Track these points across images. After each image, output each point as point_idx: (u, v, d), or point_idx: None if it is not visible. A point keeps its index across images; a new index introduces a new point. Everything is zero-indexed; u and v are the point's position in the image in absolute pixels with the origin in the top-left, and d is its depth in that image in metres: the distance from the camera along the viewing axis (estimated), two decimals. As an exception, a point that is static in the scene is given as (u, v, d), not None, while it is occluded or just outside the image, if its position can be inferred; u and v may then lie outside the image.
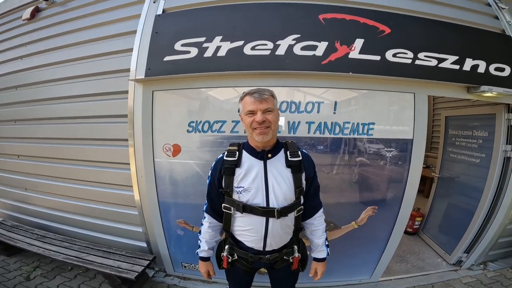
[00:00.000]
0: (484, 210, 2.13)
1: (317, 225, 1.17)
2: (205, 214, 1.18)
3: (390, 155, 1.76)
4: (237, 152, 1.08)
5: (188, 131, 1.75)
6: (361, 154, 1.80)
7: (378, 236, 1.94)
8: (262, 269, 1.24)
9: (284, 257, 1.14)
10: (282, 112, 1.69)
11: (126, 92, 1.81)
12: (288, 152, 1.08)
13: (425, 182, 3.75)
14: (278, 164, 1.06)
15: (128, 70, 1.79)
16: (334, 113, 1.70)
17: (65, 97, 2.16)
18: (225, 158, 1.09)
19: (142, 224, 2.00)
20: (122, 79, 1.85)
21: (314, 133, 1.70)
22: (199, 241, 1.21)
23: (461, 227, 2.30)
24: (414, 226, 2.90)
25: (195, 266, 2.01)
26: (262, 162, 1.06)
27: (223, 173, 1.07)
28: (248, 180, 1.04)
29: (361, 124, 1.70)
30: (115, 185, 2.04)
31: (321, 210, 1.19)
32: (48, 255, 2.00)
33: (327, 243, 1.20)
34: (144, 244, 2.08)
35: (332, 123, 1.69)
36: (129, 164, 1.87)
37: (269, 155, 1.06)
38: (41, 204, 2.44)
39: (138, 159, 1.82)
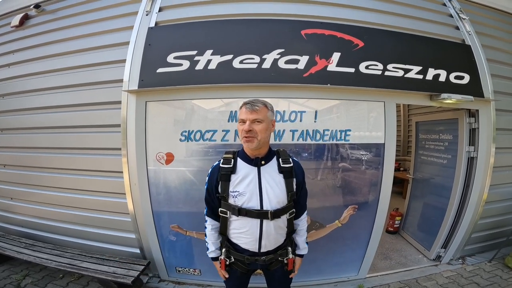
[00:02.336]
0: (454, 207, 2.31)
1: (301, 225, 1.28)
2: (206, 218, 1.25)
3: (366, 158, 1.94)
4: (232, 160, 1.15)
5: (180, 140, 1.83)
6: (342, 158, 1.95)
7: (360, 235, 2.07)
8: (258, 270, 1.33)
9: (279, 258, 1.20)
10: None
11: (119, 102, 1.86)
12: (280, 159, 1.15)
13: (403, 184, 3.93)
14: (271, 170, 1.14)
15: (120, 80, 1.85)
16: (315, 121, 1.85)
17: (55, 106, 2.16)
18: (221, 165, 1.15)
19: (135, 230, 2.03)
20: (114, 90, 1.90)
21: (297, 140, 1.84)
22: (206, 244, 1.28)
23: (436, 224, 2.46)
24: (395, 225, 3.07)
25: (189, 270, 2.06)
26: (256, 168, 1.13)
27: (219, 179, 1.13)
28: (243, 185, 1.10)
29: (339, 130, 1.86)
30: (108, 193, 2.06)
31: (306, 212, 1.30)
32: (39, 262, 1.98)
33: (306, 241, 1.31)
34: (138, 250, 2.11)
35: (313, 130, 1.84)
36: (122, 172, 1.91)
37: (263, 162, 1.13)
38: (28, 213, 2.40)
39: (131, 167, 1.87)
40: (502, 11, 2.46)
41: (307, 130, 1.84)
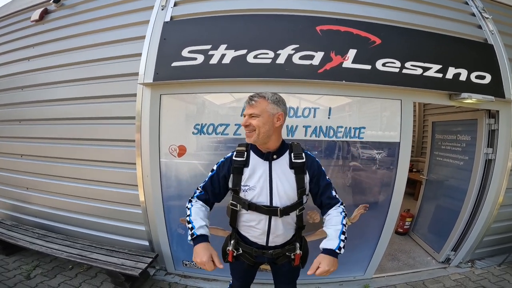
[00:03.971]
0: (468, 210, 2.25)
1: (333, 214, 1.09)
2: (195, 199, 1.14)
3: (379, 157, 1.90)
4: (245, 153, 1.13)
5: (193, 133, 1.84)
6: (355, 157, 1.92)
7: (369, 235, 2.04)
8: (264, 266, 1.31)
9: (286, 253, 1.18)
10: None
11: (134, 95, 1.89)
12: (292, 154, 1.11)
13: (415, 185, 3.87)
14: (282, 165, 1.11)
15: (135, 74, 1.87)
16: (329, 118, 1.83)
17: (71, 98, 2.22)
18: (234, 158, 1.13)
19: (145, 222, 2.05)
20: (130, 83, 1.93)
21: (310, 136, 1.82)
22: (190, 224, 1.04)
23: (448, 227, 2.41)
24: (405, 227, 3.02)
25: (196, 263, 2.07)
26: (267, 162, 1.10)
27: (231, 172, 1.12)
28: (254, 179, 1.09)
29: (353, 128, 1.83)
30: (120, 184, 2.09)
31: (339, 204, 1.13)
32: (50, 253, 2.02)
33: (342, 237, 1.01)
34: (146, 243, 2.13)
35: (326, 127, 1.82)
36: (135, 164, 1.94)
37: (274, 156, 1.11)
38: (42, 203, 2.47)
39: (144, 159, 1.90)
40: (526, 10, 2.37)
41: (320, 127, 1.81)
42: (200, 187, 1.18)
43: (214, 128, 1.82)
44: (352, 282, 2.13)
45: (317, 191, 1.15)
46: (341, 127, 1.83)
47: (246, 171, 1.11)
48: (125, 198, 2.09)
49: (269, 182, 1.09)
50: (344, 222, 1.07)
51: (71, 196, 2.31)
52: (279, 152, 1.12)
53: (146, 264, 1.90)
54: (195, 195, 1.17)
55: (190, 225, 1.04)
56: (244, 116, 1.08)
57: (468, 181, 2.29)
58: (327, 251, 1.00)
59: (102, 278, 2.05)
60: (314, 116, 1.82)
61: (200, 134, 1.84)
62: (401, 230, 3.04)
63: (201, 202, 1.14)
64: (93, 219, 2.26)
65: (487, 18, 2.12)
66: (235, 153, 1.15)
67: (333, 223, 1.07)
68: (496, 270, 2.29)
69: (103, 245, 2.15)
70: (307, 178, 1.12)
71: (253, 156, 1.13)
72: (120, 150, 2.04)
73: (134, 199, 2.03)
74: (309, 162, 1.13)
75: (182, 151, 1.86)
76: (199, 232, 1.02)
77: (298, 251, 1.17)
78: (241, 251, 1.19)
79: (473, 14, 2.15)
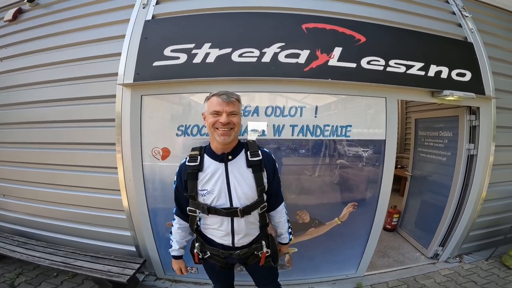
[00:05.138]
0: (453, 205, 2.31)
1: (279, 217, 1.26)
2: (175, 216, 1.23)
3: (366, 155, 1.91)
4: (199, 157, 1.10)
5: (177, 134, 1.79)
6: (342, 155, 1.93)
7: (359, 233, 2.06)
8: (239, 267, 1.31)
9: (255, 252, 1.18)
10: (267, 117, 1.78)
11: (114, 96, 1.82)
12: (248, 152, 1.10)
13: (400, 182, 3.98)
14: (239, 165, 1.09)
15: (115, 74, 1.80)
16: (315, 116, 1.82)
17: (48, 100, 2.11)
18: (187, 163, 1.10)
19: (130, 228, 2.00)
20: (109, 83, 1.86)
21: (297, 135, 1.81)
22: (170, 241, 1.26)
23: (434, 222, 2.46)
24: (393, 223, 3.07)
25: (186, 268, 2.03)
26: (223, 164, 1.08)
27: (186, 178, 1.09)
28: (211, 183, 1.07)
29: (340, 126, 1.83)
30: (102, 190, 2.02)
31: (283, 204, 1.27)
32: (32, 261, 1.94)
33: (290, 230, 1.31)
34: (133, 248, 2.07)
35: (313, 125, 1.81)
36: (116, 168, 1.87)
37: (229, 157, 1.09)
38: (20, 210, 2.36)
39: (126, 163, 1.83)
40: (504, 9, 2.45)
41: (307, 125, 1.80)
42: (174, 202, 1.21)
43: (198, 129, 1.78)
44: (344, 281, 2.14)
45: (271, 189, 1.17)
46: (328, 125, 1.82)
47: (201, 175, 1.08)
48: (108, 203, 2.02)
49: (227, 184, 1.07)
50: (288, 219, 1.31)
51: (50, 202, 2.21)
52: (234, 153, 1.11)
53: (134, 270, 1.86)
54: (173, 211, 1.24)
55: (170, 242, 1.28)
56: (217, 114, 1.01)
57: (452, 177, 2.35)
58: (284, 244, 1.34)
59: (88, 286, 1.99)
60: (300, 115, 1.81)
61: (184, 136, 1.79)
62: (389, 227, 3.09)
63: (178, 220, 1.23)
64: (75, 225, 2.18)
65: (466, 16, 2.18)
66: (188, 158, 1.12)
67: (282, 225, 1.29)
68: (484, 264, 2.35)
69: (88, 251, 2.08)
70: (265, 175, 1.12)
71: (207, 160, 1.11)
72: (101, 154, 1.97)
73: (117, 204, 1.96)
74: (266, 159, 1.13)
75: (166, 153, 1.81)
76: (173, 253, 1.28)
77: (264, 250, 1.18)
78: (208, 254, 1.19)
79: (453, 13, 2.20)
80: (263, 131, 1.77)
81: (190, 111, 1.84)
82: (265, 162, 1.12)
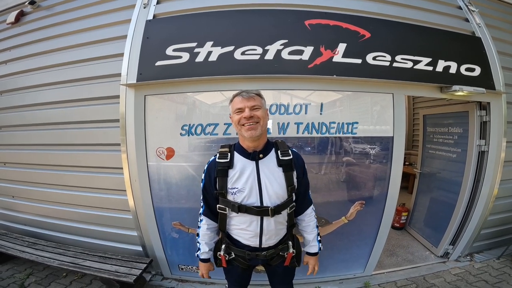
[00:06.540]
0: (464, 203, 2.25)
1: (308, 221, 1.22)
2: (202, 217, 1.19)
3: (373, 152, 1.88)
4: (229, 154, 1.09)
5: (181, 134, 1.78)
6: (348, 152, 1.89)
7: (367, 231, 2.02)
8: (259, 267, 1.29)
9: (280, 253, 1.17)
10: (271, 114, 1.76)
11: (118, 96, 1.82)
12: (279, 151, 1.10)
13: (409, 179, 3.91)
14: (269, 164, 1.09)
15: (118, 74, 1.80)
16: (321, 114, 1.79)
17: (52, 102, 2.13)
18: (217, 160, 1.10)
19: (137, 228, 2.01)
20: (113, 84, 1.86)
21: (302, 133, 1.78)
22: (198, 244, 1.22)
23: (445, 220, 2.40)
24: (401, 221, 3.01)
25: (192, 267, 2.03)
26: (254, 162, 1.07)
27: (216, 175, 1.08)
28: (242, 181, 1.06)
29: (346, 123, 1.80)
30: (108, 190, 2.04)
31: (311, 207, 1.23)
32: (41, 261, 1.97)
33: (319, 238, 1.23)
34: (140, 248, 2.08)
35: (319, 123, 1.78)
36: (122, 168, 1.88)
37: (261, 155, 1.08)
38: (30, 211, 2.39)
39: (131, 163, 1.84)
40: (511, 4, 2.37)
41: (312, 123, 1.78)
42: (201, 201, 1.19)
43: (202, 128, 1.77)
44: (352, 280, 2.11)
45: (300, 189, 1.15)
46: (334, 122, 1.79)
47: (231, 173, 1.08)
48: (114, 203, 2.03)
49: (258, 182, 1.06)
50: (317, 224, 1.26)
51: (58, 203, 2.24)
52: (265, 151, 1.10)
53: (141, 270, 1.87)
54: (200, 211, 1.21)
55: (198, 245, 1.23)
56: (241, 111, 1.03)
57: (462, 174, 2.29)
58: (312, 254, 1.25)
59: (97, 286, 2.01)
60: (305, 113, 1.78)
61: (188, 135, 1.78)
62: (398, 225, 3.04)
63: (207, 220, 1.19)
64: (83, 225, 2.20)
65: (473, 11, 2.12)
66: (218, 155, 1.12)
67: (310, 230, 1.23)
68: (496, 263, 2.29)
69: (96, 252, 2.10)
70: (295, 175, 1.11)
71: (237, 157, 1.10)
72: (106, 155, 1.98)
73: (123, 204, 1.97)
74: (296, 158, 1.14)
75: (170, 153, 1.81)
76: (202, 256, 1.22)
77: (290, 250, 1.17)
78: (233, 255, 1.17)
79: (460, 8, 2.14)
80: (268, 129, 1.75)
81: (194, 110, 1.83)
82: (295, 162, 1.12)
